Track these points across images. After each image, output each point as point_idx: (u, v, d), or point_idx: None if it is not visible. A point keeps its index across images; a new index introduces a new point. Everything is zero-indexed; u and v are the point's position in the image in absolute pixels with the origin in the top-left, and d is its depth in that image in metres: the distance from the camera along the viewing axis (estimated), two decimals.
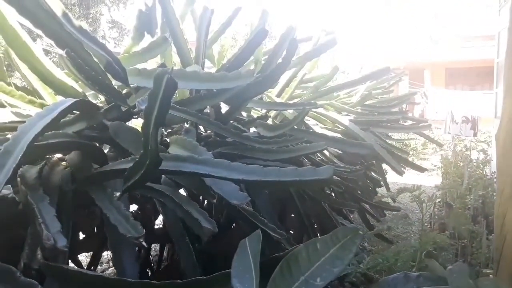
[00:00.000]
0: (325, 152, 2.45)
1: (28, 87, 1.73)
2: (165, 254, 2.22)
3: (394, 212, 2.84)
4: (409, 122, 3.60)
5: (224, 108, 1.90)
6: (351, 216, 2.82)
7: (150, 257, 2.07)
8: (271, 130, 2.00)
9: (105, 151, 1.53)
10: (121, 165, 1.28)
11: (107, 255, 2.33)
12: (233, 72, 1.63)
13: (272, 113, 2.46)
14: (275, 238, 1.40)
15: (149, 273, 1.89)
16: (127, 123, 1.55)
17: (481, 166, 4.23)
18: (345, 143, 2.15)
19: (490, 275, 1.78)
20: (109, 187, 1.31)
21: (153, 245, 2.31)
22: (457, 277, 1.11)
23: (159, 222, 1.94)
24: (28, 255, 1.04)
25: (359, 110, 2.93)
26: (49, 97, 1.67)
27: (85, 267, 1.91)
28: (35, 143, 1.08)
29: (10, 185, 1.14)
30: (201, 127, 1.90)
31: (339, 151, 2.44)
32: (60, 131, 1.34)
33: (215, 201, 1.40)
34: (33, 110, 1.51)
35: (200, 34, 2.02)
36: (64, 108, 1.22)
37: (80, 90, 1.64)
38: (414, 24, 15.25)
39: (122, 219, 1.14)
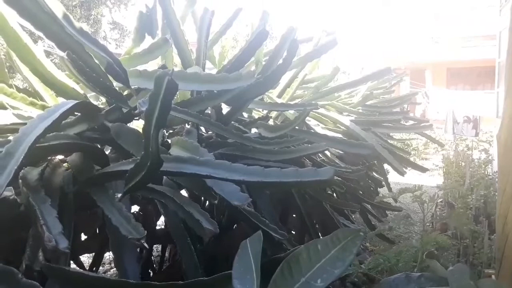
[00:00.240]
0: (327, 152, 2.45)
1: (30, 89, 1.73)
2: (167, 255, 2.23)
3: (396, 212, 2.85)
4: (411, 122, 3.59)
5: (225, 109, 1.90)
6: (353, 216, 2.81)
7: (152, 258, 2.07)
8: (272, 130, 2.00)
9: (107, 152, 1.53)
10: (122, 166, 1.28)
11: (109, 256, 2.34)
12: (234, 73, 1.62)
13: (273, 114, 2.46)
14: (277, 238, 1.40)
15: (151, 274, 1.89)
16: (128, 124, 1.55)
17: (483, 166, 4.24)
18: (346, 143, 2.14)
19: (492, 275, 1.78)
20: (111, 189, 1.31)
21: (155, 246, 2.31)
22: (458, 278, 1.10)
23: (160, 223, 1.94)
24: (30, 256, 1.04)
25: (360, 111, 2.93)
26: (51, 99, 1.67)
27: (87, 268, 1.92)
28: (37, 145, 1.08)
29: (12, 187, 1.15)
30: (202, 128, 1.90)
31: (341, 152, 2.44)
32: (62, 132, 1.33)
33: (216, 202, 1.40)
34: (34, 112, 1.51)
35: (201, 35, 2.02)
36: (66, 110, 1.22)
37: (81, 91, 1.64)
38: (415, 24, 15.23)
39: (123, 221, 1.14)
